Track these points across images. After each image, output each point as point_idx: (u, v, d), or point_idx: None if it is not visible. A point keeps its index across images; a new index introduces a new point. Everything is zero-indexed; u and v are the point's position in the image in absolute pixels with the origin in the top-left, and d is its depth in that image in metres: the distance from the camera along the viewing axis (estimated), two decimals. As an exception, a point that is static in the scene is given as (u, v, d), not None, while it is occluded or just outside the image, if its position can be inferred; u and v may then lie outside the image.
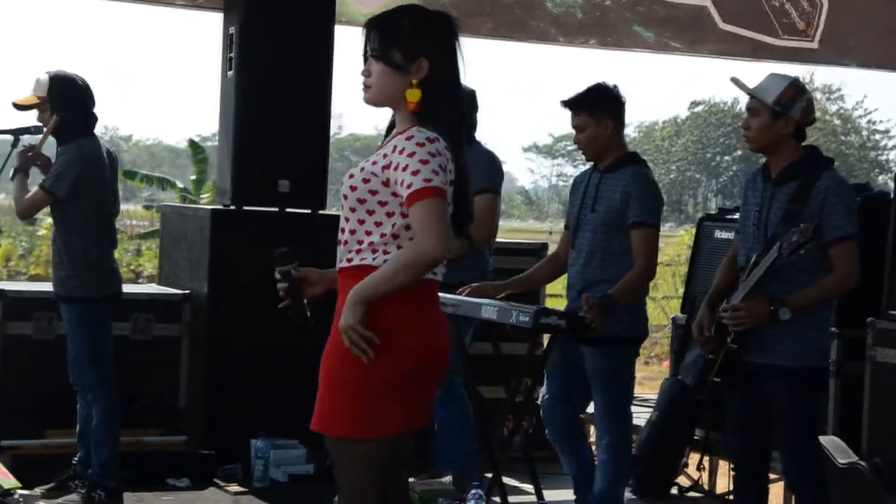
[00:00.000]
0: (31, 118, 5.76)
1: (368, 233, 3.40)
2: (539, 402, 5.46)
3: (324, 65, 6.69)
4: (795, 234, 4.41)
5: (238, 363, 6.53)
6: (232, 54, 6.59)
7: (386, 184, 3.38)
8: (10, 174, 5.73)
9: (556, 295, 9.96)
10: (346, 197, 3.44)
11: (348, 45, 6.69)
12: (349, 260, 3.43)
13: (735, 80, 4.76)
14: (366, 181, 3.41)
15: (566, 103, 5.36)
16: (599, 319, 4.98)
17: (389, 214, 3.39)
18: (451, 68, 3.52)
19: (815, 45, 7.80)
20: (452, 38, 3.53)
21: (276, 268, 3.66)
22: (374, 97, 3.50)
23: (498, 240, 6.38)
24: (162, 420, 6.50)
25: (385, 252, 3.39)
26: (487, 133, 6.25)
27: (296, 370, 6.52)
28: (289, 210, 6.68)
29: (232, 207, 6.61)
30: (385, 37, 3.47)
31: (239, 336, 6.53)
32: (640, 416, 6.40)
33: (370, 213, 3.40)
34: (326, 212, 6.82)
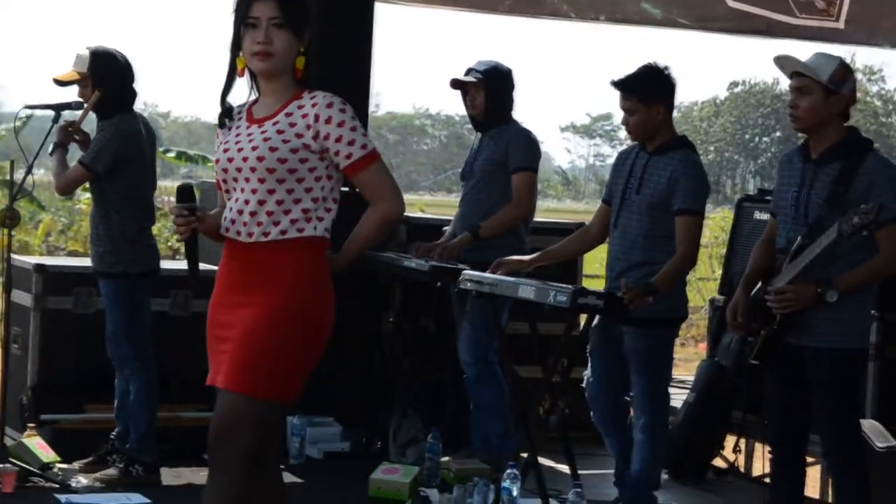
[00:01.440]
0: (71, 94, 5.78)
1: (298, 200, 3.54)
2: (583, 383, 5.44)
3: (363, 43, 6.68)
4: (857, 215, 4.34)
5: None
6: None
7: (319, 152, 3.53)
8: (50, 149, 5.75)
9: (593, 275, 9.93)
10: (271, 170, 3.50)
11: (384, 24, 6.72)
12: (283, 232, 3.51)
13: (784, 58, 4.69)
14: (294, 151, 3.52)
15: (617, 84, 5.29)
16: (638, 302, 4.96)
17: (318, 179, 3.55)
18: (313, 39, 3.67)
19: (839, 24, 7.69)
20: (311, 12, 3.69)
21: (182, 202, 3.63)
22: (278, 65, 3.59)
23: (535, 219, 6.36)
24: (199, 396, 6.50)
25: (318, 219, 3.55)
26: (524, 112, 6.24)
27: (332, 348, 6.54)
28: (326, 188, 6.67)
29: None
30: (287, 5, 3.56)
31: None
32: (677, 397, 6.37)
33: (300, 180, 3.53)
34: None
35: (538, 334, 5.74)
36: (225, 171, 3.60)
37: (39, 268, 6.38)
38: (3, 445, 5.62)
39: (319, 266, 3.57)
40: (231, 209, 3.58)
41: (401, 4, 7.61)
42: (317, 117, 3.53)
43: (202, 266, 3.93)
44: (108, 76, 5.65)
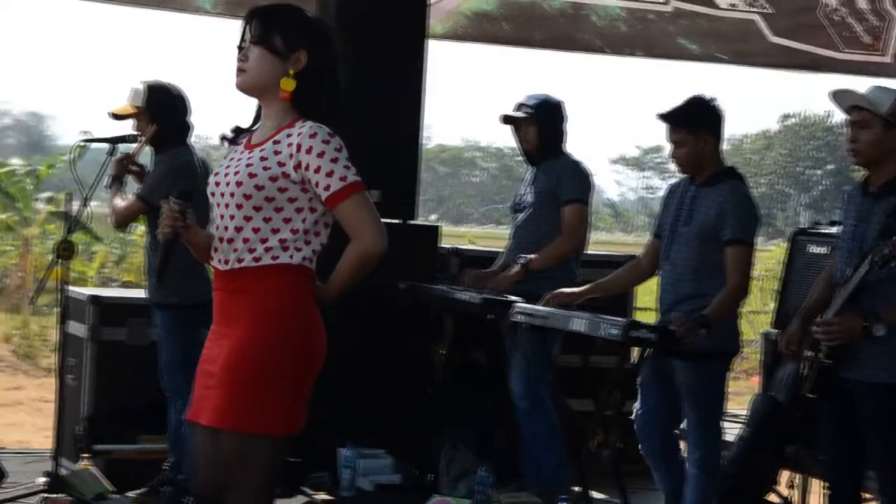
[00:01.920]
0: (127, 127, 5.85)
1: (276, 230, 3.42)
2: (632, 416, 5.42)
3: (415, 76, 6.71)
4: (887, 246, 4.33)
5: (326, 371, 6.54)
6: (325, 65, 6.63)
7: (300, 182, 3.41)
8: (107, 182, 5.81)
9: (645, 308, 9.89)
10: (248, 196, 3.40)
11: (435, 57, 6.76)
12: (257, 259, 3.40)
13: (841, 92, 4.66)
14: (273, 179, 3.40)
15: (664, 117, 5.29)
16: (691, 336, 4.93)
17: (299, 210, 3.43)
18: (331, 66, 3.55)
19: (887, 58, 7.67)
20: (332, 41, 3.58)
21: (177, 199, 3.55)
22: (249, 81, 3.50)
23: (585, 252, 6.35)
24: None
25: (297, 249, 3.43)
26: (574, 144, 6.25)
27: (384, 379, 6.57)
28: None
29: (322, 217, 6.64)
30: (267, 23, 3.50)
31: (328, 345, 6.54)
32: (730, 431, 6.32)
33: (278, 210, 3.41)
34: (416, 221, 6.84)
35: (590, 367, 5.73)
36: (212, 194, 3.53)
37: (94, 299, 6.44)
38: (57, 475, 5.67)
39: (298, 293, 3.45)
40: (215, 237, 3.51)
41: (447, 42, 7.67)
42: (298, 147, 3.40)
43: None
44: (163, 110, 5.71)
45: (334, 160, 3.40)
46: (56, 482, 5.62)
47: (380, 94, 6.63)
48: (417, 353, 6.64)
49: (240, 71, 3.49)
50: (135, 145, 5.80)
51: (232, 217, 3.44)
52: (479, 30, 7.71)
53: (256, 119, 3.61)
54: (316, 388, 6.54)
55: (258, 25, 3.49)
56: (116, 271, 17.09)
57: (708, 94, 5.33)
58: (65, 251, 5.74)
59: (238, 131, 3.64)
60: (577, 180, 6.16)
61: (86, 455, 5.93)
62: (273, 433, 3.40)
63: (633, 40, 7.93)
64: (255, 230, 3.41)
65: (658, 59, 8.24)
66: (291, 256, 3.41)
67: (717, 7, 7.67)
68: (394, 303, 6.49)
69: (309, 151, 3.39)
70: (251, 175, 3.41)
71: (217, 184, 3.51)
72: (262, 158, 3.43)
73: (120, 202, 5.73)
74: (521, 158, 6.51)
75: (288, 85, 3.47)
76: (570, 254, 6.11)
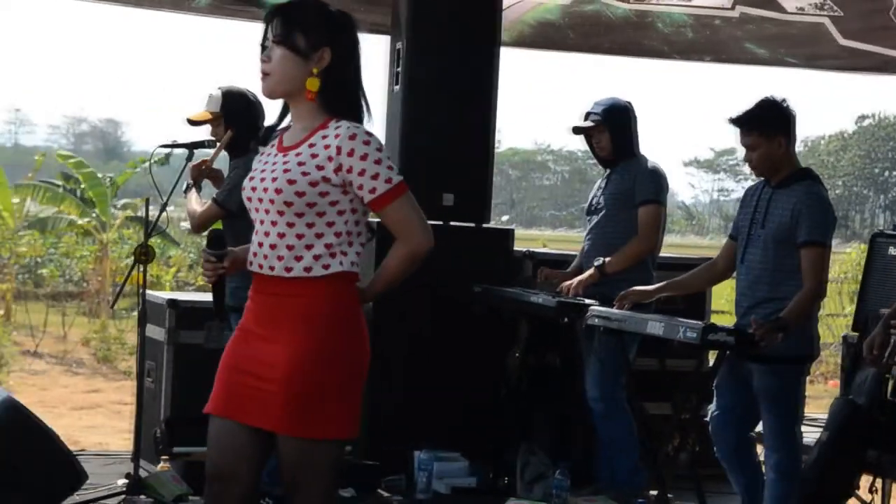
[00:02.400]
0: (203, 133, 5.90)
1: (320, 234, 3.39)
2: (707, 418, 5.39)
3: (487, 80, 6.72)
4: None
5: (401, 374, 6.58)
6: (399, 69, 6.66)
7: (341, 185, 3.36)
8: (184, 188, 5.87)
9: (720, 311, 9.83)
10: (289, 203, 3.36)
11: (503, 62, 6.77)
12: (307, 269, 3.37)
13: None
14: (313, 184, 3.36)
15: (736, 122, 5.25)
16: (769, 338, 4.89)
17: (341, 213, 3.40)
18: (354, 63, 3.48)
19: None
20: (355, 35, 3.50)
21: (211, 250, 3.58)
22: (275, 85, 3.45)
23: (661, 255, 6.32)
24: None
25: (343, 253, 3.39)
26: (646, 147, 6.23)
27: (459, 382, 6.58)
28: (453, 223, 6.71)
29: (396, 220, 6.66)
30: (289, 22, 3.43)
31: (402, 347, 6.58)
32: (809, 436, 6.25)
33: (320, 214, 3.38)
34: (490, 225, 6.84)
35: (666, 370, 5.70)
36: (249, 199, 3.49)
37: (172, 303, 6.51)
38: (137, 477, 5.73)
39: (349, 298, 3.42)
40: (255, 241, 3.47)
41: (517, 49, 7.68)
42: (339, 149, 3.35)
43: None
44: (239, 115, 5.75)
45: (377, 161, 3.37)
46: (136, 484, 5.68)
47: (453, 99, 6.66)
48: (492, 356, 6.63)
49: (264, 75, 3.44)
50: (211, 151, 5.85)
51: (274, 223, 3.40)
52: (544, 38, 7.72)
53: (281, 118, 3.55)
54: (392, 392, 6.60)
55: (280, 24, 3.42)
56: (192, 275, 17.25)
57: (779, 96, 5.28)
58: (143, 255, 5.80)
59: (269, 131, 3.59)
60: (652, 181, 6.13)
61: (165, 457, 5.98)
62: (337, 437, 3.43)
63: (700, 46, 7.91)
64: (299, 236, 3.38)
65: (726, 64, 8.21)
66: (341, 263, 3.38)
67: (784, 11, 7.62)
68: (468, 306, 6.50)
69: (350, 154, 3.35)
70: (290, 181, 3.36)
71: (254, 189, 3.47)
72: (300, 163, 3.38)
73: (197, 207, 5.77)
74: (593, 161, 6.50)
75: (313, 85, 3.41)
76: (644, 255, 6.09)
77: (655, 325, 5.19)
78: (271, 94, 3.47)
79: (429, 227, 3.47)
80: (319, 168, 3.36)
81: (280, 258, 3.39)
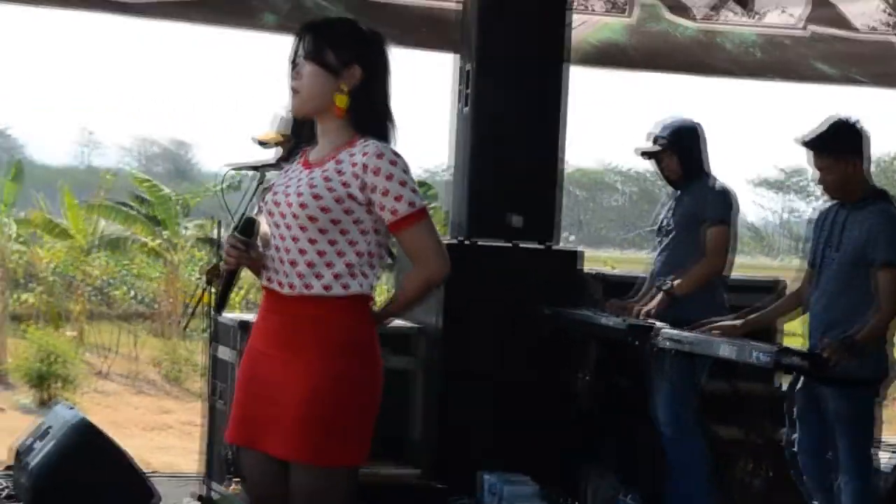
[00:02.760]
0: (272, 154, 5.91)
1: (341, 253, 3.33)
2: (791, 447, 5.31)
3: (555, 100, 6.71)
4: None
5: (470, 397, 6.56)
6: (467, 90, 6.66)
7: (366, 204, 3.32)
8: (255, 210, 5.89)
9: (791, 333, 9.70)
10: (313, 218, 3.31)
11: (573, 81, 6.76)
12: (327, 287, 3.31)
13: None
14: (338, 201, 3.31)
15: (808, 144, 5.20)
16: (839, 359, 4.83)
17: (363, 232, 3.35)
18: (384, 81, 3.44)
19: None
20: (386, 53, 3.47)
21: (241, 236, 3.48)
22: (304, 103, 3.42)
23: (731, 276, 6.25)
24: (395, 452, 6.57)
25: (363, 274, 3.35)
26: (715, 167, 6.18)
27: (528, 405, 6.55)
28: (521, 244, 6.69)
29: (466, 242, 6.67)
30: (319, 38, 3.40)
31: (471, 370, 6.56)
32: (884, 459, 6.17)
33: (343, 232, 3.33)
34: (557, 246, 6.82)
35: (738, 394, 5.64)
36: (270, 214, 3.43)
37: (242, 324, 6.52)
38: (208, 499, 5.76)
39: (368, 326, 3.38)
40: (272, 258, 3.40)
41: (581, 68, 7.66)
42: (364, 167, 3.30)
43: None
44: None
45: (402, 183, 3.32)
46: (206, 505, 5.71)
47: (522, 119, 6.65)
48: (561, 378, 6.60)
49: (294, 92, 3.42)
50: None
51: (295, 239, 3.35)
52: (608, 57, 7.70)
53: (297, 131, 3.55)
54: (460, 414, 6.58)
55: (310, 41, 3.40)
56: (259, 296, 17.35)
57: (850, 116, 5.21)
58: (214, 276, 5.83)
59: (295, 149, 3.57)
60: (721, 202, 6.07)
61: (235, 479, 6.00)
62: (353, 463, 3.38)
63: (768, 65, 7.86)
64: (321, 253, 3.32)
65: (793, 83, 8.15)
66: (361, 285, 3.33)
67: (855, 30, 7.56)
68: (537, 328, 6.47)
69: (376, 172, 3.30)
70: (315, 196, 3.32)
71: (276, 203, 3.41)
72: (326, 179, 3.34)
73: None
74: (661, 182, 6.45)
75: (342, 101, 3.38)
76: (712, 276, 6.02)
77: (727, 348, 5.13)
78: (300, 112, 3.46)
79: (446, 253, 3.41)
80: (345, 185, 3.32)
81: (300, 275, 3.34)
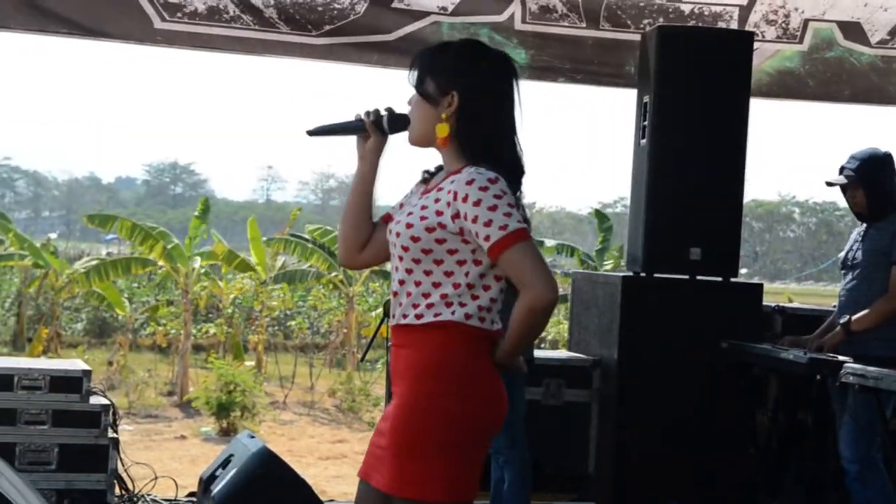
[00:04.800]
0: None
1: (437, 284, 3.21)
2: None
3: (737, 131, 6.62)
4: None
5: (647, 430, 6.50)
6: (646, 123, 6.63)
7: (459, 233, 3.20)
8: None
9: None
10: (406, 248, 3.22)
11: (754, 114, 6.66)
12: (419, 316, 3.20)
13: None
14: (429, 230, 3.20)
15: None
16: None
17: (461, 263, 3.21)
18: (492, 106, 3.30)
19: None
20: (487, 76, 3.31)
21: (389, 113, 3.39)
22: (413, 135, 3.35)
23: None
24: (572, 485, 6.56)
25: (461, 304, 3.20)
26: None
27: (705, 439, 6.46)
28: (700, 277, 6.62)
29: (643, 275, 6.62)
30: (422, 68, 3.33)
31: (648, 402, 6.51)
32: None
33: (438, 262, 3.21)
34: (737, 279, 6.72)
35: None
36: (393, 244, 3.33)
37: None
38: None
39: (466, 356, 3.21)
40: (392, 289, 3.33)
41: (756, 99, 7.57)
42: (455, 195, 3.18)
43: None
44: None
45: (492, 208, 3.16)
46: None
47: (701, 152, 6.59)
48: (741, 413, 6.50)
49: (408, 122, 3.37)
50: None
51: (396, 269, 3.27)
52: (783, 87, 7.57)
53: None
54: (641, 446, 6.53)
55: (416, 71, 3.36)
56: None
57: None
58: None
59: (431, 175, 3.43)
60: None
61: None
62: (442, 500, 3.20)
63: None
64: (417, 283, 3.23)
65: None
66: (454, 313, 3.19)
67: None
68: (717, 362, 6.39)
69: (465, 199, 3.17)
70: (409, 225, 3.24)
71: (389, 231, 3.34)
72: (423, 207, 3.25)
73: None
74: (839, 212, 6.31)
75: (442, 131, 3.29)
76: (893, 314, 5.85)
77: (915, 384, 4.98)
78: (413, 143, 3.39)
79: (552, 277, 3.20)
80: (438, 213, 3.21)
81: (400, 305, 3.26)
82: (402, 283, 3.25)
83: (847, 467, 5.86)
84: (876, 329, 5.79)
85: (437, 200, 3.23)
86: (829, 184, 6.05)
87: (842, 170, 6.00)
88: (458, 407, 3.19)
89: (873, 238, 5.94)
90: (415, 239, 3.22)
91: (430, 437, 3.18)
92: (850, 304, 5.94)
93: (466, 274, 3.22)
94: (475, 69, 3.31)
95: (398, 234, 3.26)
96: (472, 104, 3.29)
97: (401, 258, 3.25)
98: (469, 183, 3.18)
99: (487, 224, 3.16)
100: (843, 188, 6.00)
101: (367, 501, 3.36)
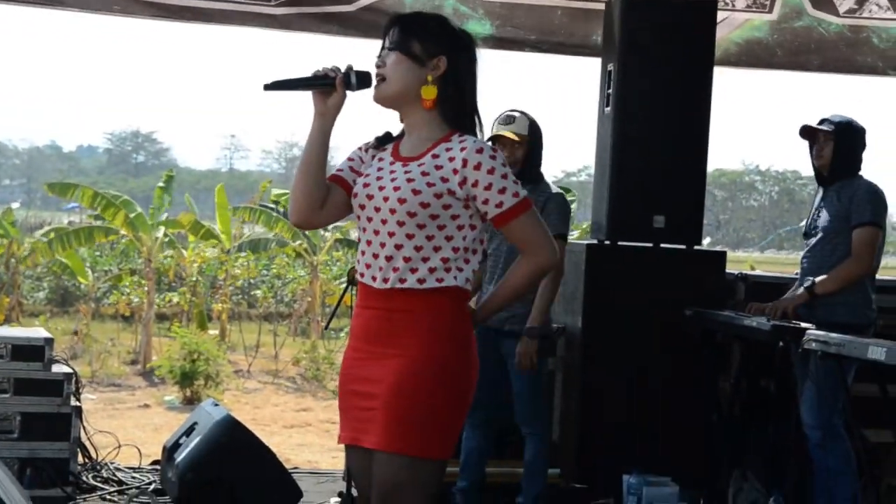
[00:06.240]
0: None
1: (438, 248, 3.31)
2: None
3: (700, 100, 6.63)
4: None
5: (611, 398, 6.53)
6: (610, 91, 6.62)
7: (464, 199, 3.31)
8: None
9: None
10: (412, 214, 3.28)
11: (720, 83, 6.66)
12: (421, 280, 3.29)
13: None
14: (438, 196, 3.29)
15: None
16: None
17: (460, 227, 3.33)
18: (472, 78, 3.42)
19: None
20: (473, 50, 3.44)
21: (356, 70, 3.40)
22: (388, 89, 3.37)
23: (879, 278, 6.11)
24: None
25: (458, 269, 3.32)
26: (864, 168, 6.03)
27: (671, 407, 6.49)
28: (663, 245, 6.63)
29: (607, 242, 6.63)
30: (406, 30, 3.38)
31: (612, 371, 6.53)
32: None
33: (441, 227, 3.31)
34: (701, 247, 6.74)
35: (888, 396, 5.50)
36: (362, 207, 3.38)
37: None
38: (350, 496, 5.81)
39: (459, 318, 3.35)
40: (364, 252, 3.36)
41: (722, 68, 7.57)
42: (465, 162, 3.30)
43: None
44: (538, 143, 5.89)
45: (504, 176, 3.32)
46: (349, 503, 5.76)
47: (666, 120, 6.59)
48: (704, 380, 6.53)
49: (379, 80, 3.38)
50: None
51: (391, 234, 3.31)
52: (752, 56, 7.58)
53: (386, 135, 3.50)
54: (603, 415, 6.55)
55: (397, 32, 3.40)
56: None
57: None
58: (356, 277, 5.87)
59: (386, 139, 3.50)
60: (871, 202, 5.93)
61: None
62: (439, 457, 3.32)
63: None
64: (418, 248, 3.30)
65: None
66: (455, 278, 3.32)
67: None
68: (680, 329, 6.41)
69: (477, 167, 3.30)
70: (415, 191, 3.30)
71: (370, 197, 3.37)
72: (424, 174, 3.32)
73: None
74: (802, 181, 6.33)
75: (429, 93, 3.36)
76: (857, 277, 5.88)
77: (877, 350, 5.01)
78: (383, 100, 3.40)
79: (554, 242, 3.44)
80: (444, 180, 3.31)
81: (395, 269, 3.31)
82: (399, 247, 3.30)
83: (809, 434, 5.90)
84: (840, 294, 5.82)
85: (437, 167, 3.32)
86: (806, 127, 6.05)
87: (821, 121, 6.03)
88: (459, 368, 3.33)
89: (833, 204, 5.97)
90: (424, 205, 3.29)
91: (437, 400, 3.28)
92: (814, 271, 5.97)
93: (464, 238, 3.34)
94: (460, 40, 3.42)
95: (401, 201, 3.29)
96: (457, 71, 3.39)
97: (401, 223, 3.30)
98: (479, 152, 3.31)
99: (502, 191, 3.31)
100: (814, 139, 6.02)
101: (362, 462, 3.39)
